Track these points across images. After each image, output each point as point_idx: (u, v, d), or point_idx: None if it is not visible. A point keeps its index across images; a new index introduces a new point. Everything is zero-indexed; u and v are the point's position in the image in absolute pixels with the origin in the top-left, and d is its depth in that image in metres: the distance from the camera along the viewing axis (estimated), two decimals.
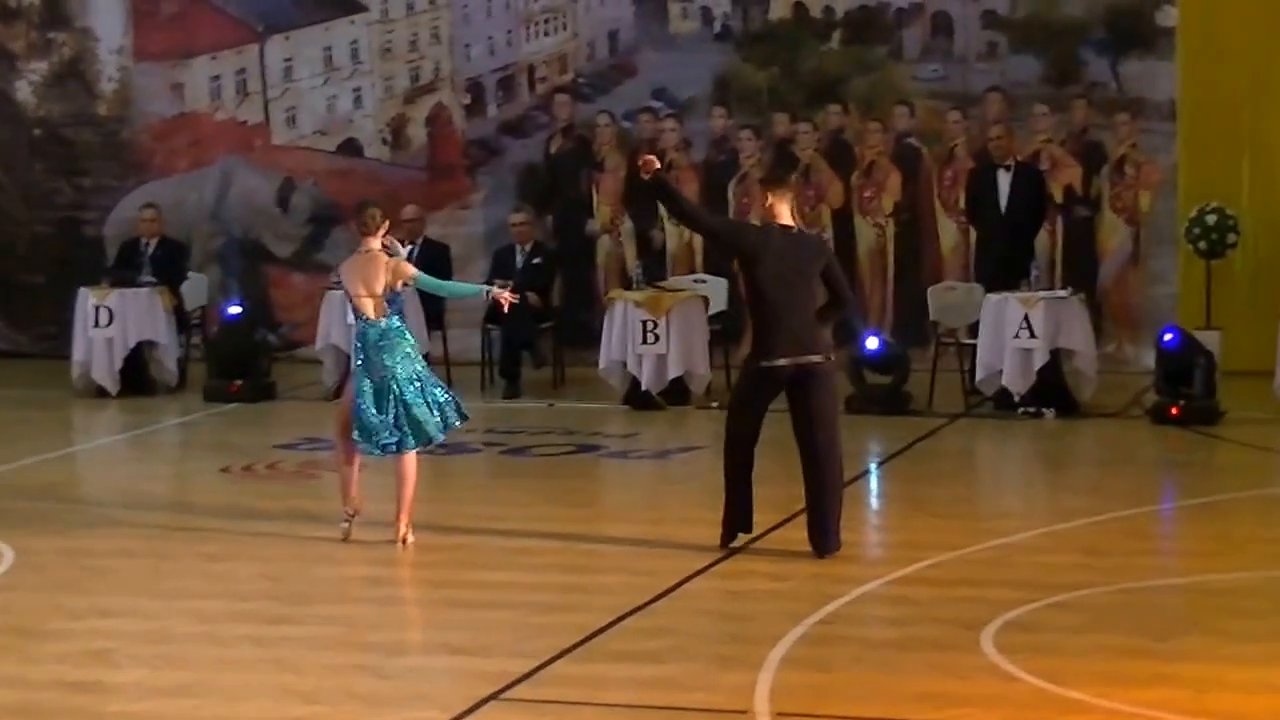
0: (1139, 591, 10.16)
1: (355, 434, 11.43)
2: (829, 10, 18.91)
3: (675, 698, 8.47)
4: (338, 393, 17.00)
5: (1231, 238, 17.07)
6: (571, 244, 19.14)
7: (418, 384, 11.44)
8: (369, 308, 11.42)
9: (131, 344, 17.52)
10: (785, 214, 11.16)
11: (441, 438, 11.67)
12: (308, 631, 9.54)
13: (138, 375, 17.64)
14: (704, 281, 17.74)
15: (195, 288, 18.55)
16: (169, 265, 17.98)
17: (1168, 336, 15.41)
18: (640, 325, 16.31)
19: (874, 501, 13.28)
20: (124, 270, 17.89)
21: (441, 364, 17.68)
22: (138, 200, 19.24)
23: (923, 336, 17.25)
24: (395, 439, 11.41)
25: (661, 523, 11.88)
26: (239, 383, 17.21)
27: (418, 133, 19.84)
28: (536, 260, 17.75)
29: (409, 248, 17.69)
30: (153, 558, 11.25)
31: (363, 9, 19.88)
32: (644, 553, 11.13)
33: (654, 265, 18.23)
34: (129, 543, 11.66)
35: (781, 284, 10.90)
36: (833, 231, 18.62)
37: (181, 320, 17.97)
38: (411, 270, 11.54)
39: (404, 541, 11.39)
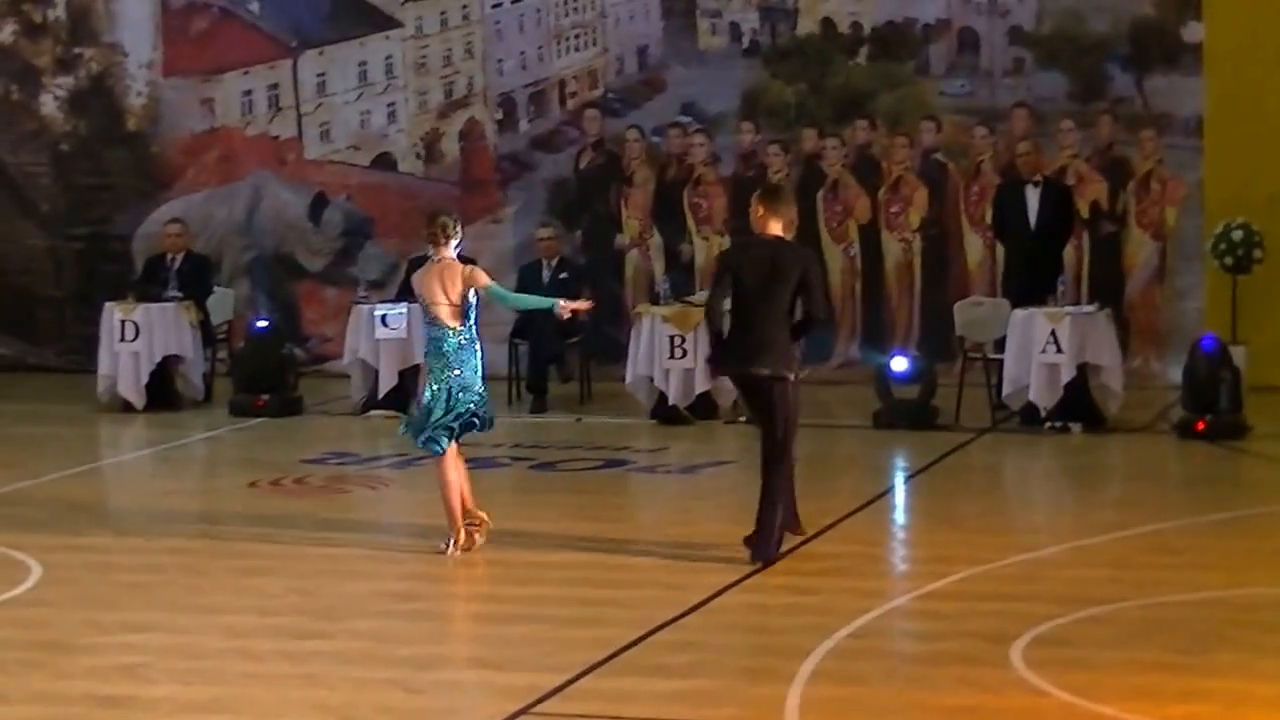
0: (1168, 606, 10.17)
1: (407, 430, 11.66)
2: (856, 26, 18.96)
3: (704, 712, 8.49)
4: (366, 407, 17.14)
5: (1257, 253, 17.03)
6: (600, 258, 19.20)
7: (476, 396, 11.56)
8: (446, 315, 11.48)
9: (157, 359, 17.57)
10: (776, 229, 11.35)
11: (418, 442, 11.71)
12: (338, 646, 9.58)
13: (164, 390, 17.68)
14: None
15: (221, 302, 18.60)
16: (195, 280, 18.04)
17: (1206, 340, 15.45)
18: (668, 340, 16.35)
19: (901, 516, 13.31)
20: (150, 285, 17.95)
21: None
22: (165, 215, 19.31)
23: (949, 351, 17.26)
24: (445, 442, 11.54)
25: (690, 537, 11.90)
26: (265, 397, 17.25)
27: (450, 147, 19.91)
28: (563, 275, 17.78)
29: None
30: (182, 572, 11.30)
31: (398, 25, 19.95)
32: (673, 567, 11.16)
33: (681, 280, 18.25)
34: (158, 558, 11.71)
35: (753, 295, 11.14)
36: (859, 246, 18.66)
37: (207, 335, 18.02)
38: (485, 279, 11.61)
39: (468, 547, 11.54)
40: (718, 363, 11.83)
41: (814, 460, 15.47)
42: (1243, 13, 17.61)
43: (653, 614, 10.01)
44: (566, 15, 19.64)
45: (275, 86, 20.24)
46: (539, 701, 8.59)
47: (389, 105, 20.02)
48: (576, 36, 19.68)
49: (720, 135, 19.10)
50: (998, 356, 16.03)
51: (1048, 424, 15.60)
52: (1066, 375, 15.45)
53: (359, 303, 17.59)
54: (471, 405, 11.55)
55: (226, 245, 20.11)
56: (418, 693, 8.79)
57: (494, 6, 19.70)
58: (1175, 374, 16.16)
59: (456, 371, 11.50)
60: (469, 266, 11.60)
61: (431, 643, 9.69)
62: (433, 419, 11.51)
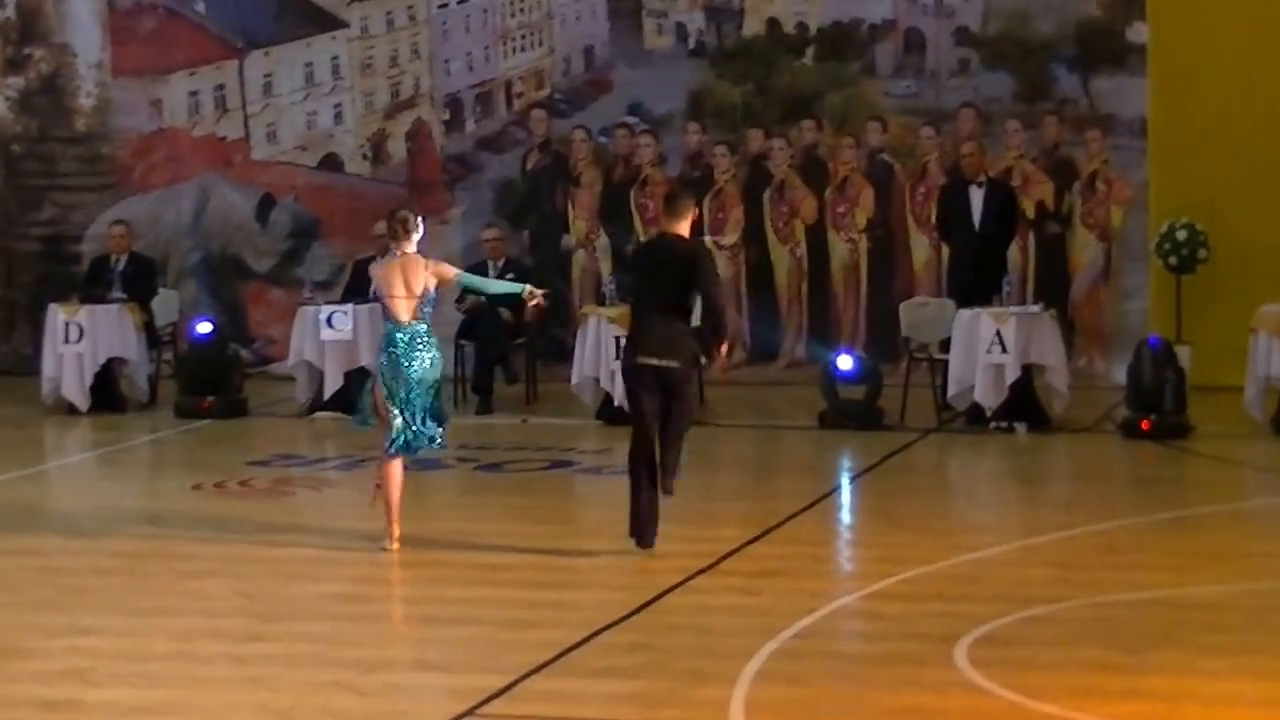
0: (1111, 605, 10.22)
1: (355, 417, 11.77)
2: (802, 26, 18.99)
3: (650, 713, 8.51)
4: (312, 409, 17.09)
5: (1202, 253, 17.16)
6: (547, 259, 19.19)
7: (430, 393, 11.59)
8: (403, 311, 11.50)
9: (101, 360, 17.47)
10: (680, 230, 11.65)
11: (392, 450, 11.73)
12: (284, 649, 9.55)
13: (108, 392, 17.59)
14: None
15: (166, 304, 18.52)
16: (139, 281, 17.95)
17: (1153, 340, 15.55)
18: (613, 341, 16.34)
19: (847, 516, 13.34)
20: (94, 287, 17.86)
21: None
22: (114, 216, 19.23)
23: (895, 352, 17.30)
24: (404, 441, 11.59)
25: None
26: (210, 399, 17.18)
27: (397, 148, 19.87)
28: (509, 276, 17.73)
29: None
30: (127, 576, 11.25)
31: (344, 25, 19.91)
32: (618, 568, 11.17)
33: (628, 281, 18.23)
34: (103, 561, 11.66)
35: (645, 289, 11.51)
36: (806, 246, 18.70)
37: (152, 337, 17.94)
38: (452, 272, 11.70)
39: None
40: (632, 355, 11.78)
41: (759, 461, 15.56)
42: (1187, 14, 17.69)
43: (598, 615, 10.02)
44: (513, 16, 19.63)
45: (221, 87, 20.17)
46: (484, 703, 8.60)
47: (335, 106, 19.97)
48: (523, 37, 19.67)
49: (667, 136, 19.10)
50: (943, 357, 16.08)
51: (993, 424, 15.65)
52: (1012, 375, 15.50)
53: (305, 304, 17.54)
54: (425, 403, 11.53)
55: (174, 246, 20.03)
56: (364, 695, 8.77)
57: (440, 7, 19.67)
58: (1120, 374, 16.22)
59: (408, 365, 11.49)
60: (433, 260, 11.65)
61: (377, 645, 9.67)
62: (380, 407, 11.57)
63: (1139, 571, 10.94)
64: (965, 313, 15.78)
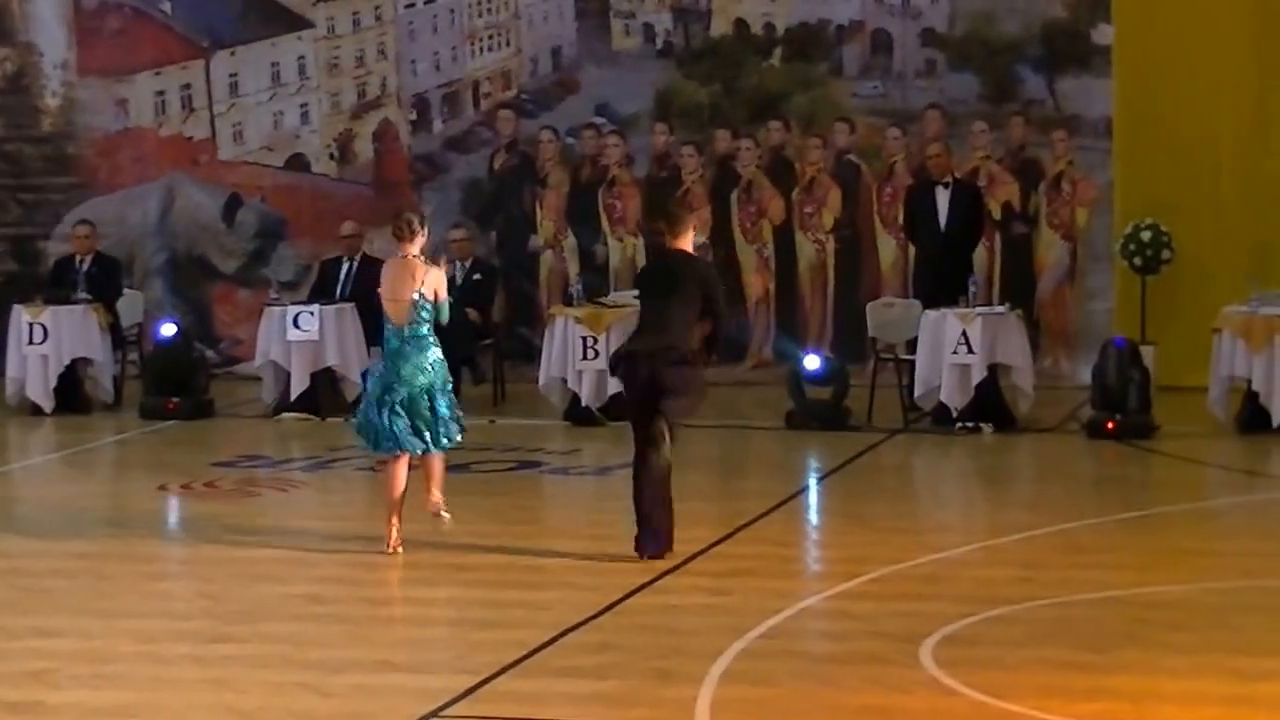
0: (1077, 605, 10.25)
1: (354, 433, 11.63)
2: (770, 27, 19.02)
3: (616, 713, 8.51)
4: (278, 409, 17.06)
5: (1166, 254, 17.22)
6: (514, 260, 19.18)
7: (426, 398, 11.57)
8: (394, 314, 11.49)
9: (66, 361, 17.41)
10: (685, 244, 11.56)
11: (419, 450, 11.68)
12: (249, 650, 9.53)
13: (73, 393, 17.53)
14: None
15: (131, 304, 18.47)
16: (104, 282, 17.89)
17: (1118, 340, 15.61)
18: (580, 341, 16.34)
19: (814, 516, 13.35)
20: (58, 287, 17.80)
21: None
22: (80, 216, 19.16)
23: (862, 352, 17.33)
24: (412, 444, 11.58)
25: (603, 539, 11.89)
26: (176, 400, 17.13)
27: (364, 148, 19.85)
28: (476, 276, 17.78)
29: (347, 264, 17.80)
30: (91, 577, 11.21)
31: (310, 25, 19.88)
32: (585, 568, 11.16)
33: (596, 281, 18.26)
34: (66, 562, 11.61)
35: (653, 310, 11.42)
36: (773, 247, 18.72)
37: (117, 337, 17.89)
38: (442, 297, 11.60)
39: (437, 513, 11.63)
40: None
41: (727, 461, 15.56)
42: (1151, 15, 17.76)
43: (565, 615, 10.02)
44: (480, 16, 19.61)
45: (188, 87, 20.13)
46: (451, 703, 8.58)
47: (302, 106, 19.94)
48: (490, 37, 19.65)
49: (634, 136, 19.11)
50: (910, 357, 16.11)
51: (959, 424, 15.69)
52: (977, 376, 15.54)
53: (271, 304, 17.50)
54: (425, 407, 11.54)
55: (140, 246, 19.98)
56: (329, 696, 8.76)
57: (407, 7, 19.65)
58: (1085, 374, 16.27)
59: (399, 367, 11.47)
60: (435, 274, 11.58)
61: (343, 646, 9.65)
62: (373, 420, 11.50)
63: (1103, 571, 10.97)
64: (931, 313, 15.81)
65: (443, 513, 11.69)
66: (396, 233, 11.68)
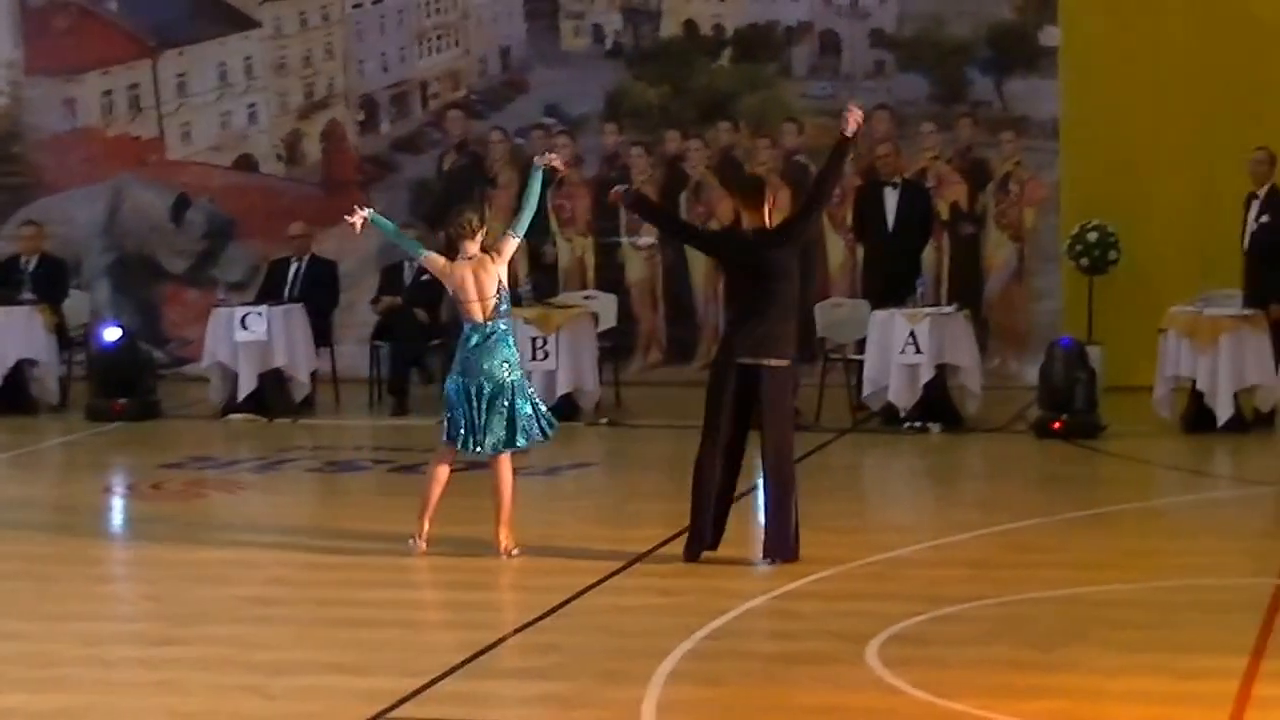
0: (1023, 604, 10.28)
1: (445, 438, 11.39)
2: (719, 28, 19.04)
3: (563, 714, 8.51)
4: (225, 410, 17.00)
5: (1113, 254, 17.29)
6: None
7: (509, 392, 11.34)
8: (478, 312, 11.31)
9: (11, 363, 17.34)
10: (763, 218, 11.40)
11: (523, 443, 11.50)
12: (194, 652, 9.49)
13: (18, 394, 17.45)
14: (594, 298, 17.79)
15: (78, 305, 18.39)
16: (50, 283, 17.82)
17: (1064, 340, 15.66)
18: (529, 342, 16.33)
19: (761, 517, 13.33)
20: (3, 288, 17.71)
21: (329, 381, 17.69)
22: (26, 216, 19.07)
23: (810, 352, 17.32)
24: (490, 441, 11.36)
25: (551, 539, 11.89)
26: (123, 401, 17.06)
27: (312, 148, 19.81)
28: (425, 277, 17.69)
29: (296, 265, 17.76)
30: (35, 579, 11.14)
31: (256, 25, 19.82)
32: (533, 569, 11.16)
33: (545, 282, 18.26)
34: (10, 564, 11.54)
35: (741, 284, 11.10)
36: None
37: (63, 338, 17.81)
38: (511, 243, 11.39)
39: (508, 554, 11.31)
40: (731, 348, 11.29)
41: (676, 461, 15.50)
42: (1097, 17, 17.84)
43: (512, 616, 10.03)
44: (428, 16, 19.59)
45: (135, 86, 20.06)
46: (398, 705, 8.57)
47: (250, 106, 19.89)
48: (439, 37, 19.63)
49: (584, 137, 19.11)
50: (858, 357, 16.16)
51: (907, 424, 15.73)
52: (925, 375, 15.59)
53: (219, 305, 17.45)
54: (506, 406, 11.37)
55: (87, 247, 19.90)
56: (274, 698, 8.73)
57: (355, 7, 19.61)
58: (1033, 374, 16.32)
59: (484, 362, 11.30)
60: (495, 251, 11.38)
61: (289, 647, 9.62)
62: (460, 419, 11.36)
63: (1050, 570, 11.01)
64: (880, 313, 15.86)
65: (513, 551, 11.41)
66: (459, 232, 11.41)
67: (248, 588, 10.90)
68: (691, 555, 11.14)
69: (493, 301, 11.31)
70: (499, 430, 11.37)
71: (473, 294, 11.30)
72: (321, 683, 9.01)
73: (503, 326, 11.37)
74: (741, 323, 11.12)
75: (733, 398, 11.10)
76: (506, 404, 11.36)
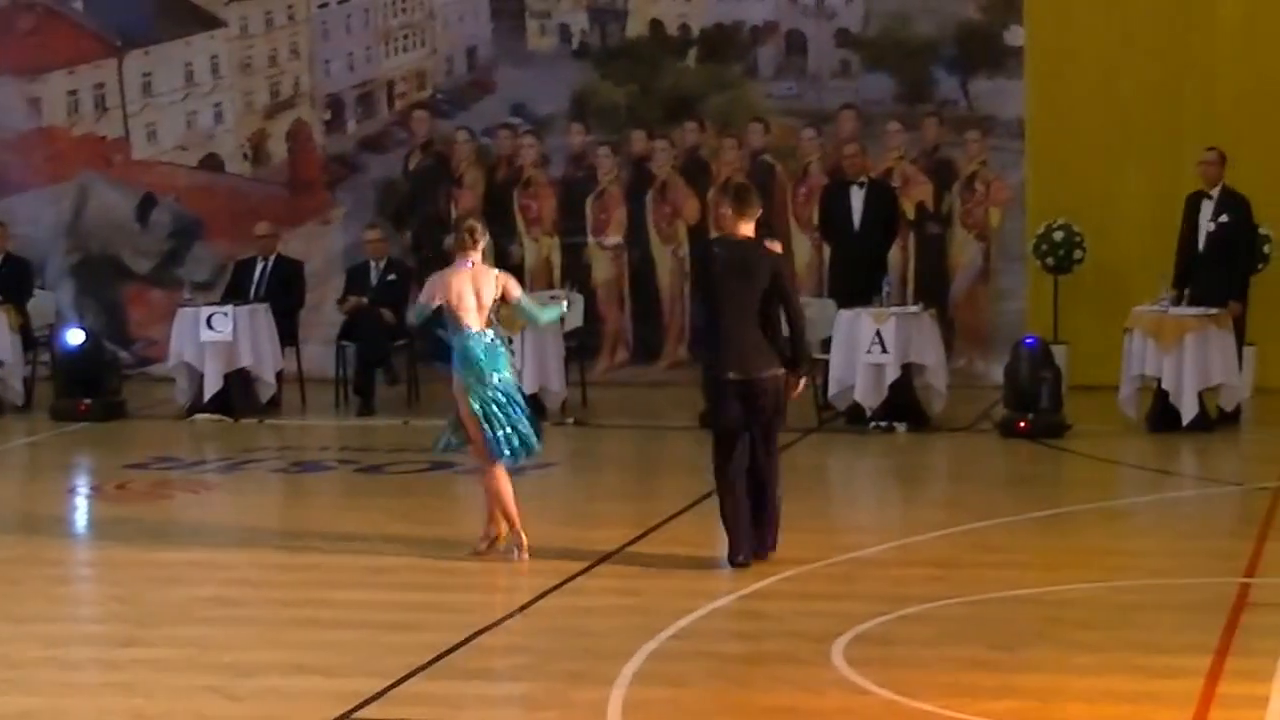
0: (988, 603, 10.30)
1: (489, 448, 11.25)
2: (685, 28, 19.04)
3: (528, 715, 8.52)
4: (191, 410, 16.96)
5: (1078, 254, 17.33)
6: (429, 260, 19.09)
7: (506, 397, 11.30)
8: (476, 320, 11.24)
9: None
10: (749, 231, 11.22)
11: (508, 459, 11.38)
12: (157, 654, 9.47)
13: None
14: (559, 297, 17.72)
15: (43, 305, 18.33)
16: (14, 282, 17.76)
17: (1028, 340, 15.67)
18: None
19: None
20: None
21: (294, 381, 17.66)
22: None
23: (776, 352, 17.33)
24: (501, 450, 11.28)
25: None
26: (88, 402, 17.01)
27: (278, 148, 19.77)
28: (391, 277, 17.73)
29: (261, 265, 17.73)
30: None
31: (222, 24, 19.77)
32: (497, 570, 11.15)
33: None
34: None
35: (727, 297, 11.01)
36: (688, 247, 18.72)
37: (28, 338, 17.74)
38: (517, 292, 11.38)
39: (521, 553, 11.28)
40: (718, 367, 11.24)
41: (641, 461, 15.59)
42: (1062, 17, 17.89)
43: (477, 617, 10.00)
44: (395, 16, 19.56)
45: (101, 86, 20.00)
46: (361, 706, 8.56)
47: (215, 106, 19.84)
48: (405, 37, 19.60)
49: (550, 137, 19.10)
50: (824, 357, 16.16)
51: (873, 424, 15.75)
52: (891, 375, 15.61)
53: (185, 305, 17.41)
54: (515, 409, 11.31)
55: (52, 246, 19.83)
56: (238, 700, 8.72)
57: (320, 6, 19.57)
58: (998, 373, 16.36)
59: (495, 377, 11.28)
60: (506, 274, 11.40)
61: (253, 649, 9.60)
62: (501, 429, 11.26)
63: (1015, 570, 11.03)
64: (846, 313, 15.87)
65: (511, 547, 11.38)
66: (461, 242, 11.36)
67: (212, 588, 10.88)
68: (736, 563, 11.08)
69: (489, 310, 11.26)
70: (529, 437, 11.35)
71: (470, 300, 11.23)
72: (286, 684, 9.00)
73: (495, 336, 11.34)
74: (730, 337, 11.05)
75: (735, 411, 11.10)
76: (499, 411, 11.30)
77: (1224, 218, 15.86)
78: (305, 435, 16.53)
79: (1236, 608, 10.04)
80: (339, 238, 19.41)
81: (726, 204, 11.38)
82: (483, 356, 11.30)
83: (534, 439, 11.39)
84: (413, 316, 11.92)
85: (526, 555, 11.29)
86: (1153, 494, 13.59)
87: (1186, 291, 15.73)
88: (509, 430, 11.30)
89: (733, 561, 11.05)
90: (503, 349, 11.38)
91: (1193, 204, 16.00)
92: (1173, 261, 15.96)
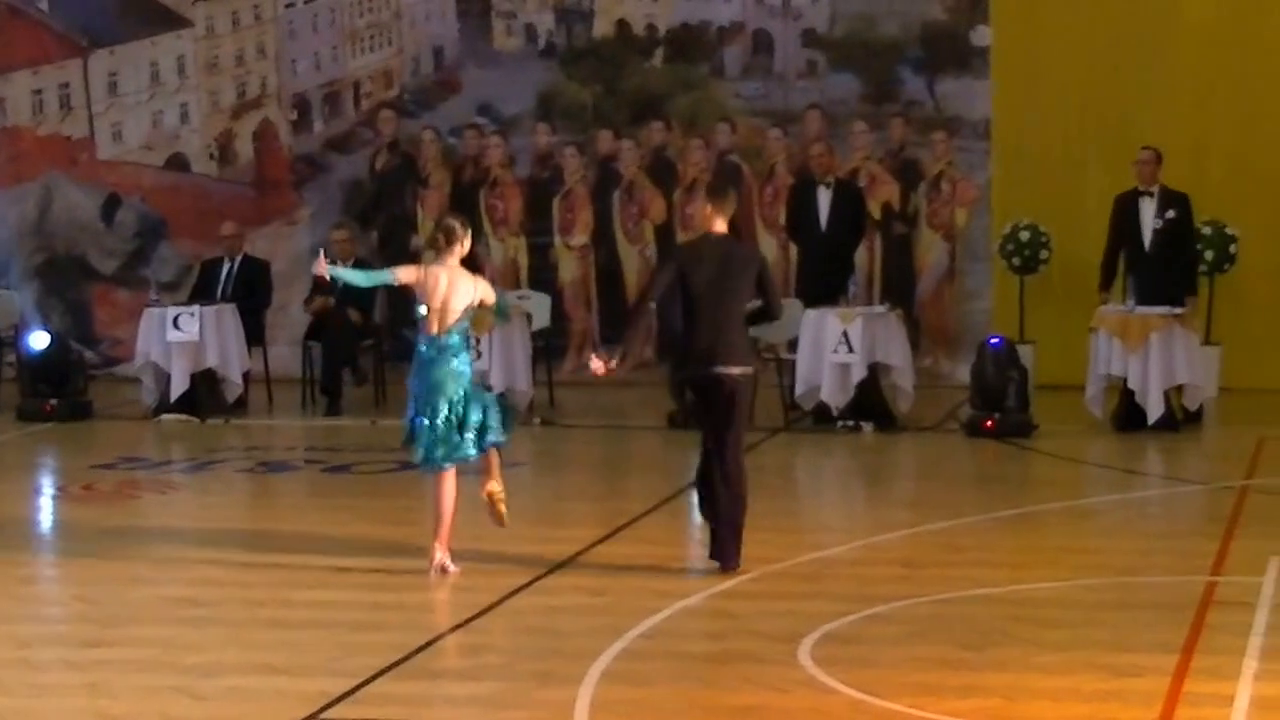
0: (954, 602, 10.33)
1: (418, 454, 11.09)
2: (651, 28, 19.05)
3: (495, 715, 8.50)
4: (158, 411, 16.92)
5: (1044, 254, 17.39)
6: (396, 260, 19.04)
7: (457, 402, 11.10)
8: (434, 323, 11.01)
9: None
10: (722, 226, 11.18)
11: (473, 454, 11.16)
12: (123, 654, 9.45)
13: None
14: (527, 298, 17.75)
15: (8, 305, 18.26)
16: None
17: (994, 340, 15.70)
18: None
19: (695, 516, 13.34)
20: None
21: (262, 381, 17.63)
22: None
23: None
24: (441, 453, 11.10)
25: (482, 540, 11.84)
26: (54, 402, 16.96)
27: (245, 148, 19.73)
28: None
29: (228, 265, 17.70)
30: None
31: (189, 24, 19.72)
32: (465, 570, 11.12)
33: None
34: None
35: (708, 294, 10.95)
36: (655, 247, 18.74)
37: None
38: (492, 297, 11.21)
39: (442, 570, 11.02)
40: (680, 366, 11.27)
41: (608, 461, 15.59)
42: (1028, 17, 17.93)
43: (443, 617, 10.01)
44: (361, 16, 19.54)
45: (66, 86, 19.94)
46: (328, 706, 8.55)
47: (182, 105, 19.79)
48: (371, 37, 19.57)
49: (516, 136, 19.09)
50: (790, 357, 16.18)
51: (840, 423, 15.77)
52: (858, 375, 15.63)
53: (151, 305, 17.37)
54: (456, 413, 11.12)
55: (17, 247, 19.77)
56: (203, 700, 8.70)
57: (287, 6, 19.54)
58: (965, 373, 16.41)
59: (431, 373, 11.08)
60: (482, 280, 11.20)
61: (218, 649, 9.58)
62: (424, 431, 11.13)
63: (981, 569, 11.05)
64: (812, 313, 15.89)
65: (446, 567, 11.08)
66: (436, 242, 11.20)
67: (178, 589, 10.85)
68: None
69: (453, 316, 11.05)
70: (454, 439, 11.10)
71: (436, 303, 11.07)
72: (252, 684, 8.98)
73: (455, 340, 11.09)
74: (701, 333, 11.01)
75: (701, 407, 11.09)
76: (457, 417, 11.11)
77: (1170, 213, 15.91)
78: (272, 435, 16.51)
79: (1202, 606, 10.08)
80: (305, 238, 19.37)
81: (705, 202, 11.36)
82: (427, 359, 11.10)
83: (435, 454, 11.09)
84: (363, 279, 11.66)
85: (438, 567, 11.06)
86: (1119, 493, 13.64)
87: (1131, 290, 15.72)
88: (426, 430, 11.09)
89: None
90: (455, 358, 11.08)
91: (1128, 203, 16.02)
92: (1109, 262, 16.02)
